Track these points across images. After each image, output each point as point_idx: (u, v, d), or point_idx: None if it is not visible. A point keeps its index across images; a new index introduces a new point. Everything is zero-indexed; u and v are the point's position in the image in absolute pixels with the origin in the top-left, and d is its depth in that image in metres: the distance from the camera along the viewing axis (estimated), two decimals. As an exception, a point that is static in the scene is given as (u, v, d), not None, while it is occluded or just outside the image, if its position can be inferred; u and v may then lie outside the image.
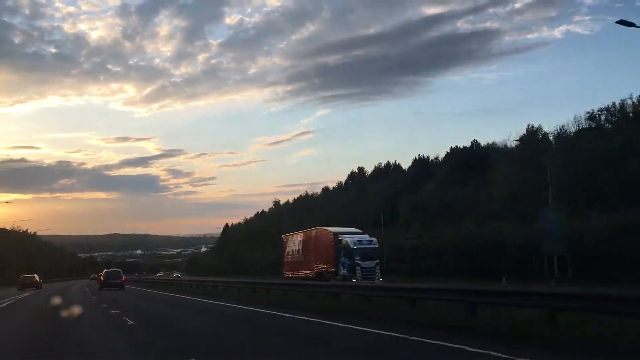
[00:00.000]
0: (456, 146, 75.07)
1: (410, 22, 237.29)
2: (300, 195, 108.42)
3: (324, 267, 37.73)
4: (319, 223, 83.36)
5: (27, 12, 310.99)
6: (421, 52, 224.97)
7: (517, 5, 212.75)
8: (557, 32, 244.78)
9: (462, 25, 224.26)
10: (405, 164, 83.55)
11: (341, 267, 35.65)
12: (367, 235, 38.83)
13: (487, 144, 63.60)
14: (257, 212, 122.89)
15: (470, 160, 60.24)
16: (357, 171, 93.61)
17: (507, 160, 53.90)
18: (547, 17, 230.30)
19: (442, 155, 76.53)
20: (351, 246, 35.58)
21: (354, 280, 32.73)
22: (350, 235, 37.88)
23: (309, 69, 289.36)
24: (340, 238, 37.16)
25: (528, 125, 58.19)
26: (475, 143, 63.28)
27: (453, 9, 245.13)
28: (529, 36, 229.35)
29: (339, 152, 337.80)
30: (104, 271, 52.02)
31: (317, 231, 42.07)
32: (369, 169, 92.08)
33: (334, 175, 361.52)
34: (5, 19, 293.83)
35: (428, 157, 77.15)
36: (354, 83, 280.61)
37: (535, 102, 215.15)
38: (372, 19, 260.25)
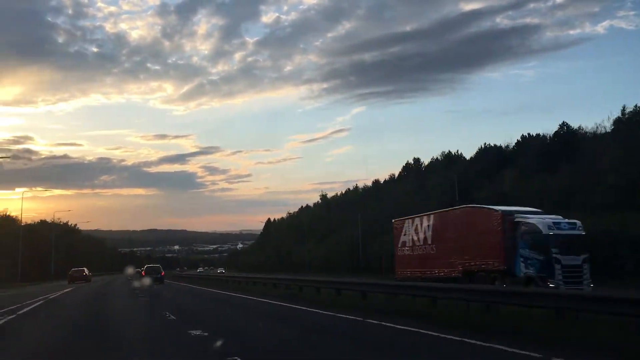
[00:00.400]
0: (528, 133, 67.98)
1: (448, 18, 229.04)
2: (349, 189, 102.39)
3: (481, 264, 25.00)
4: (372, 217, 77.81)
5: (70, 12, 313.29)
6: (459, 49, 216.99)
7: (559, 0, 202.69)
8: (600, 27, 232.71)
9: (502, 21, 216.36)
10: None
11: (522, 265, 22.95)
12: (561, 217, 24.39)
13: (575, 128, 55.97)
14: (302, 207, 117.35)
15: (557, 146, 52.82)
16: (412, 162, 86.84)
17: (604, 145, 46.54)
18: (590, 12, 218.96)
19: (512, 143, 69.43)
20: (543, 232, 22.29)
21: (551, 284, 20.98)
22: (537, 216, 24.23)
23: (344, 67, 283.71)
24: (518, 220, 23.92)
25: (623, 107, 50.85)
26: (565, 126, 55.65)
27: (492, 5, 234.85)
28: (571, 32, 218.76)
29: (374, 150, 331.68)
30: (145, 266, 53.14)
31: (467, 211, 28.24)
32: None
33: (370, 173, 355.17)
34: (50, 19, 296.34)
35: (499, 146, 69.90)
36: (390, 80, 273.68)
37: (577, 99, 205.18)
38: (409, 15, 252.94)
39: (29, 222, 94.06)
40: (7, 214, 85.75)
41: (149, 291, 29.98)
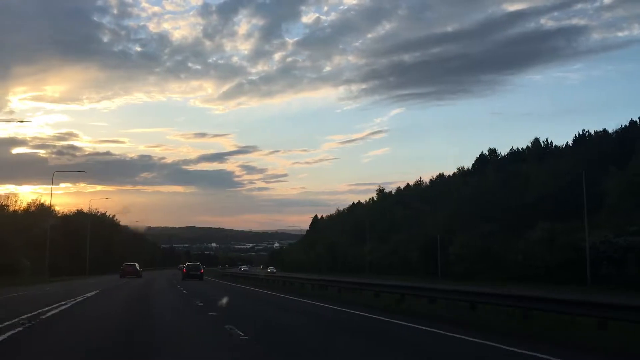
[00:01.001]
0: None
1: (491, 18, 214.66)
2: (408, 184, 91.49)
3: None
4: (446, 212, 66.42)
5: (115, 11, 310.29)
6: (502, 50, 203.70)
7: (607, 1, 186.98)
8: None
9: (547, 22, 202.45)
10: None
11: None
12: None
13: None
14: (353, 203, 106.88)
15: None
16: (487, 154, 75.52)
17: None
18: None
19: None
20: None
21: None
22: None
23: (384, 67, 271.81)
24: None
25: None
26: None
27: (537, 5, 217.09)
28: (619, 34, 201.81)
29: (413, 152, 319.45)
30: (186, 264, 54.34)
31: None
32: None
33: (406, 175, 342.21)
34: (95, 19, 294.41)
35: (601, 132, 58.43)
36: (431, 81, 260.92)
37: (625, 102, 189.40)
38: (451, 16, 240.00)
39: (65, 212, 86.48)
40: (41, 202, 77.99)
41: (214, 302, 19.87)
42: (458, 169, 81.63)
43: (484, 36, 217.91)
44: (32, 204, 78.29)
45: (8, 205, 71.83)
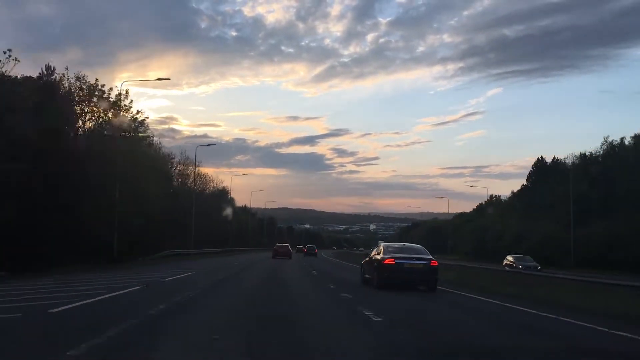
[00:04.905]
0: None
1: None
2: None
3: None
4: None
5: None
6: (616, 21, 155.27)
7: None
8: None
9: None
10: None
11: None
12: None
13: None
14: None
15: None
16: None
17: None
18: None
19: None
20: None
21: None
22: None
23: (483, 44, 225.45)
24: None
25: None
26: None
27: None
28: None
29: (511, 135, 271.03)
30: (306, 245, 68.74)
31: None
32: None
33: (502, 158, 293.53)
34: (194, 5, 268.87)
35: None
36: (534, 57, 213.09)
37: None
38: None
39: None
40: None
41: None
42: None
43: (597, 5, 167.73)
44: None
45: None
